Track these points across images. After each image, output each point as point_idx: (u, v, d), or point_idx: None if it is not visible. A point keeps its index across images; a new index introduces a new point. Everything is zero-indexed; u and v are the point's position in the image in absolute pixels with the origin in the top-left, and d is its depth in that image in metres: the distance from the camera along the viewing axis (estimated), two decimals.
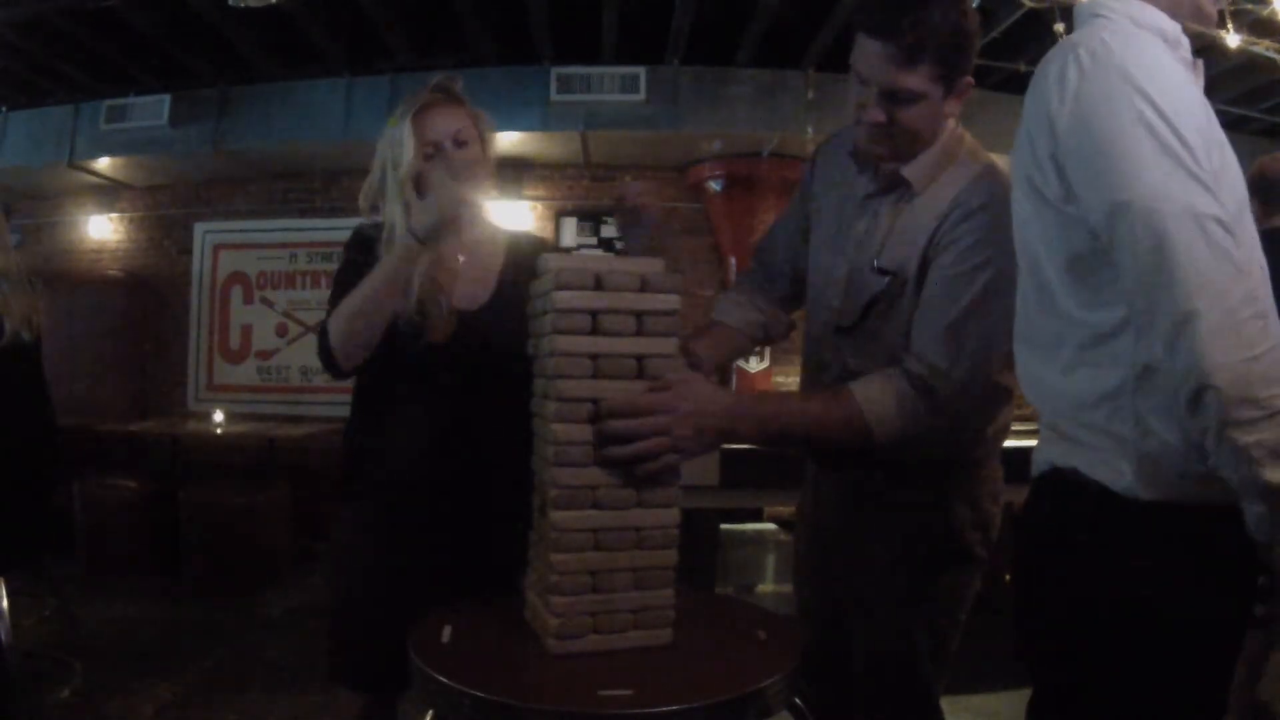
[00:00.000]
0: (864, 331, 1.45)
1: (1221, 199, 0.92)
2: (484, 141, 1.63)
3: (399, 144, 1.54)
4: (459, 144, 1.58)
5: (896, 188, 1.44)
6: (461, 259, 1.61)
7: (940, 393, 1.31)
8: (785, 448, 1.44)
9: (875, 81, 1.31)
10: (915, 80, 1.28)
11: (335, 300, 1.54)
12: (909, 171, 1.41)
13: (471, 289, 1.60)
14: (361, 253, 1.57)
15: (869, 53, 1.29)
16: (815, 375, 1.56)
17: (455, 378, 1.55)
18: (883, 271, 1.41)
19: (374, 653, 1.53)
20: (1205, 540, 0.97)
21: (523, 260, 1.57)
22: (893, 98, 1.31)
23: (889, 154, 1.40)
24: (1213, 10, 1.09)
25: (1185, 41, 1.05)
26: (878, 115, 1.32)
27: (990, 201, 1.33)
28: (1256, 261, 0.99)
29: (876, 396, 1.32)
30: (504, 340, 1.48)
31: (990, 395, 1.42)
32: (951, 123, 1.42)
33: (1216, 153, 0.97)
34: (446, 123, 1.57)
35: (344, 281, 1.55)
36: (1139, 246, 0.92)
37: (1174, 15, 1.05)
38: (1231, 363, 0.87)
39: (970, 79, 1.35)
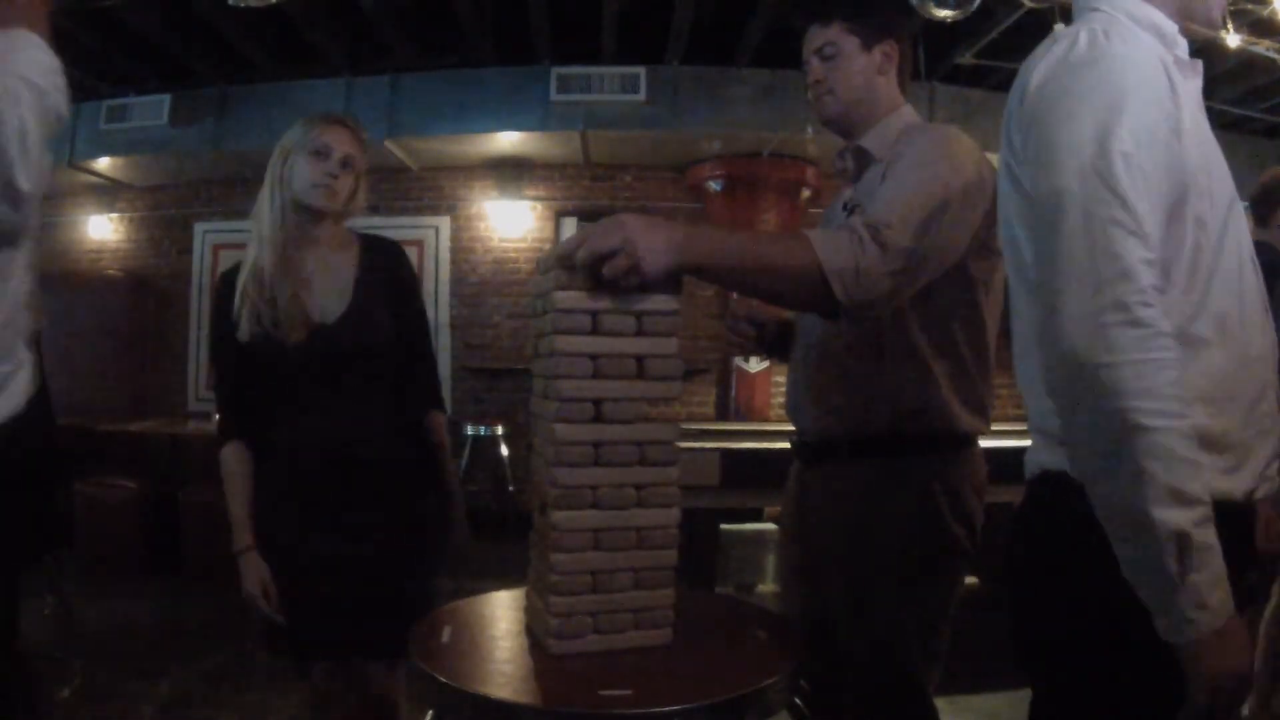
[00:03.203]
0: None
1: (1143, 222, 0.90)
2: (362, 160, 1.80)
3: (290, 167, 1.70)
4: (344, 165, 1.73)
5: (866, 168, 1.54)
6: (311, 269, 1.73)
7: (890, 243, 1.27)
8: (742, 288, 1.36)
9: (809, 50, 1.57)
10: (831, 34, 1.53)
11: (215, 355, 1.78)
12: (867, 142, 1.54)
13: (327, 300, 1.72)
14: (228, 300, 1.71)
15: (808, 33, 1.57)
16: (804, 352, 1.60)
17: (321, 387, 1.71)
18: (847, 208, 1.53)
19: (291, 619, 1.75)
20: None
21: (378, 265, 1.76)
22: (820, 55, 1.55)
23: (838, 113, 1.57)
24: (1218, 16, 1.08)
25: (1183, 42, 1.03)
26: (814, 74, 1.56)
27: (931, 128, 1.50)
28: (1232, 271, 0.98)
29: (826, 235, 1.29)
30: (364, 346, 1.70)
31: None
32: (907, 106, 1.57)
33: (1195, 151, 0.96)
34: (342, 144, 1.72)
35: (217, 338, 1.75)
36: (1038, 230, 0.95)
37: (1178, 16, 1.03)
38: (1084, 362, 0.87)
39: (893, 43, 1.54)
